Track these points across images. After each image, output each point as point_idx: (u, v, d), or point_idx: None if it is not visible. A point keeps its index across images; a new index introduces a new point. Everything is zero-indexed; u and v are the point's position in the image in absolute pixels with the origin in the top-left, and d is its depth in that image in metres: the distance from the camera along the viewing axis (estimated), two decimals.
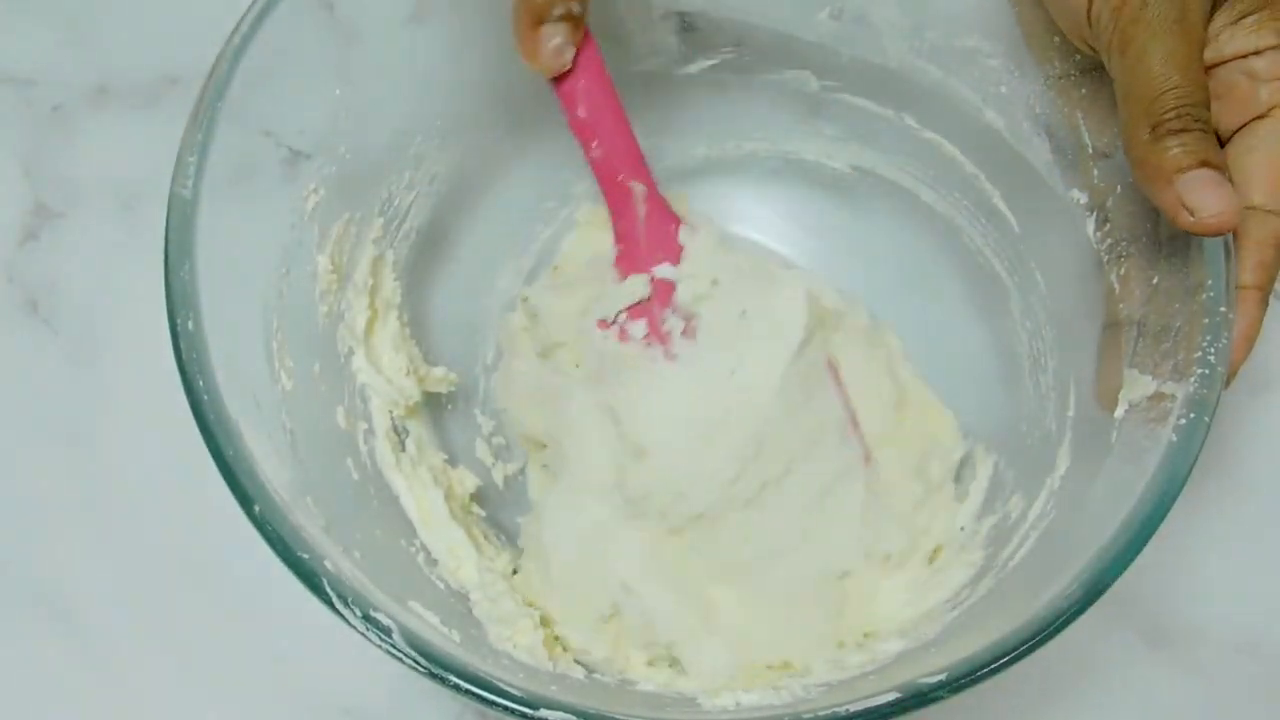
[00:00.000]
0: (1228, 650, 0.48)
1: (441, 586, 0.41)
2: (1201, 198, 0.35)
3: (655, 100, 0.51)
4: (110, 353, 0.53)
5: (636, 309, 0.47)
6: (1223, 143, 0.39)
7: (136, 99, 0.58)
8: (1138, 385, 0.39)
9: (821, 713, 0.33)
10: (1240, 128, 0.39)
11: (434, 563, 0.43)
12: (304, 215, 0.42)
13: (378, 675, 0.48)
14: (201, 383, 0.35)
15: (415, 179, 0.48)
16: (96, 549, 0.50)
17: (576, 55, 0.40)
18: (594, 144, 0.43)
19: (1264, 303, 0.39)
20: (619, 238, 0.47)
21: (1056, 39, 0.42)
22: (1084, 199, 0.44)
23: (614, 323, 0.47)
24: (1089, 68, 0.42)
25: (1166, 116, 0.36)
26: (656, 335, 0.47)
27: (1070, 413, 0.44)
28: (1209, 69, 0.39)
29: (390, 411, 0.45)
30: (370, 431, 0.44)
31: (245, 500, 0.35)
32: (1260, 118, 0.39)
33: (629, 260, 0.47)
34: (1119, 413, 0.39)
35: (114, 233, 0.55)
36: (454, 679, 0.33)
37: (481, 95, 0.48)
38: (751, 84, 0.51)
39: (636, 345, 0.47)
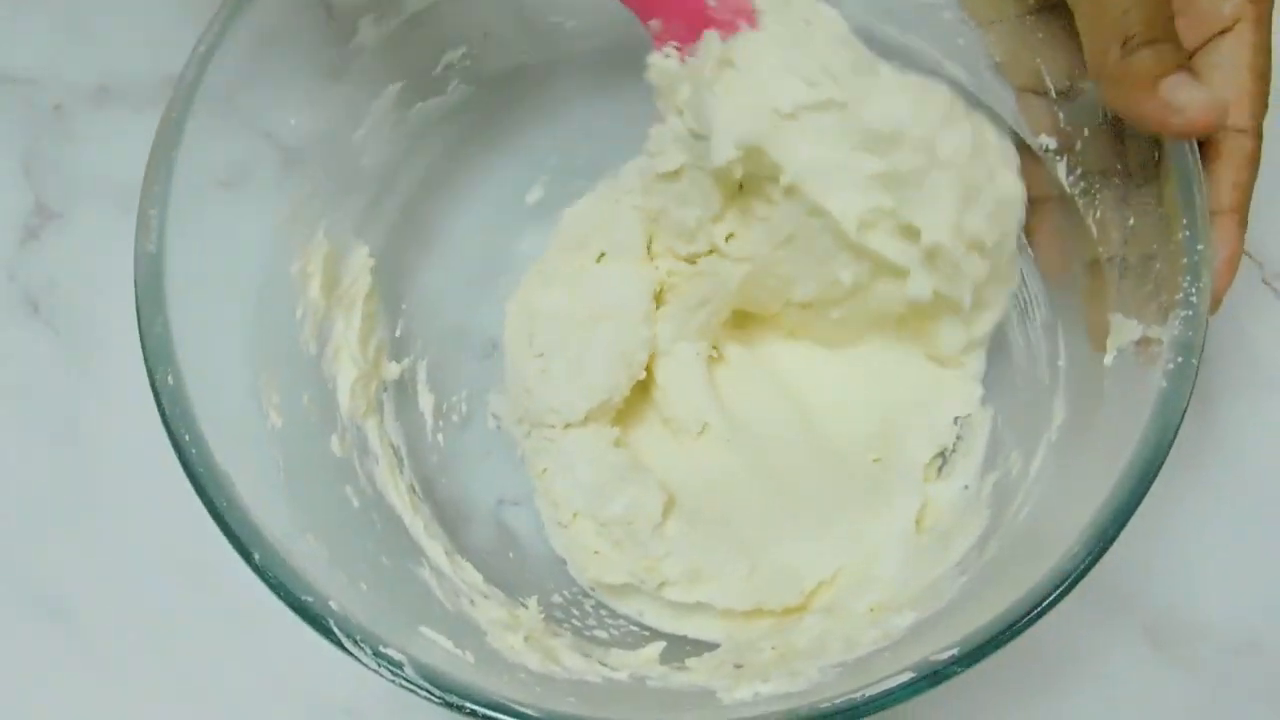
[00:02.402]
0: (1228, 650, 0.48)
1: (450, 607, 0.41)
2: (1188, 95, 0.35)
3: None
4: (110, 353, 0.53)
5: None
6: (1192, 53, 0.40)
7: (136, 99, 0.57)
8: (1124, 330, 0.39)
9: (839, 700, 0.33)
10: (1203, 44, 0.40)
11: (441, 577, 0.43)
12: (274, 247, 0.42)
13: (377, 675, 0.48)
14: (188, 437, 0.35)
15: (384, 191, 0.48)
16: (96, 549, 0.50)
17: None
18: None
19: (1243, 224, 0.39)
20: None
21: None
22: (1053, 144, 0.43)
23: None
24: (1042, 7, 0.41)
25: (1135, 30, 0.36)
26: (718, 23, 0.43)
27: (1061, 362, 0.44)
28: None
29: (384, 430, 0.45)
30: (366, 454, 0.44)
31: (244, 551, 0.35)
32: (1223, 33, 0.39)
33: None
34: (1108, 360, 0.39)
35: (114, 233, 0.55)
36: (470, 706, 0.33)
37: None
38: None
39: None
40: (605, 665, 0.42)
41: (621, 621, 0.47)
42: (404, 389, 0.48)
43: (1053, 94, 0.43)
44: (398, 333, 0.48)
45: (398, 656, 0.34)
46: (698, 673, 0.43)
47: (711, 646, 0.45)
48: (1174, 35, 0.37)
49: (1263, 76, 0.40)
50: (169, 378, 0.36)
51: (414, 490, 0.46)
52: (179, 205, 0.38)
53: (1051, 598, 0.34)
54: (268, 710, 0.48)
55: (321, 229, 0.44)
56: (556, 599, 0.46)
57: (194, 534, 0.50)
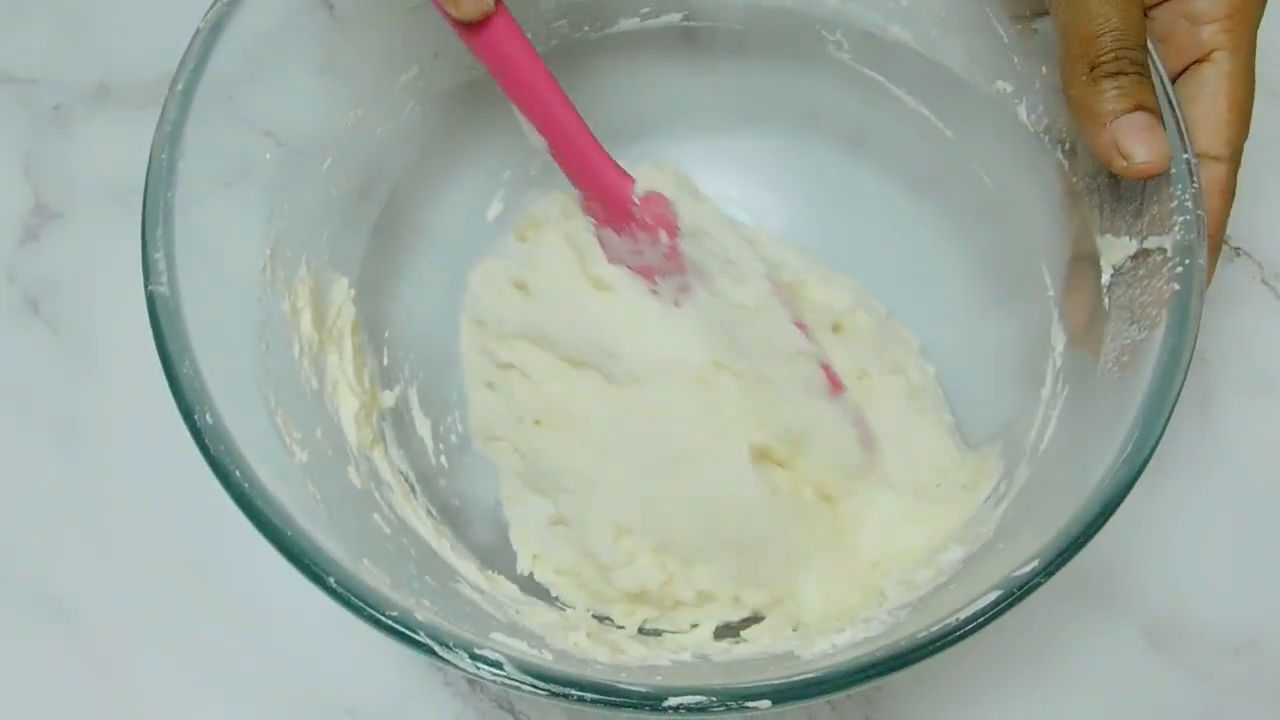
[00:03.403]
0: (1228, 650, 0.48)
1: (503, 617, 0.41)
2: (1134, 143, 0.36)
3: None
4: (110, 353, 0.53)
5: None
6: (1174, 80, 0.40)
7: (136, 99, 0.57)
8: (1116, 248, 0.39)
9: (935, 627, 0.33)
10: (1183, 71, 0.40)
11: (482, 593, 0.43)
12: (266, 285, 0.42)
13: (379, 675, 0.48)
14: (239, 473, 0.35)
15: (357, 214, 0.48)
16: (96, 549, 0.50)
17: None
18: (528, 101, 0.42)
19: (1216, 250, 0.39)
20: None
21: None
22: (1010, 88, 0.44)
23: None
24: None
25: (1104, 59, 0.36)
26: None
27: (1050, 292, 0.44)
28: (1149, 10, 0.40)
29: (390, 459, 0.45)
30: (381, 483, 0.44)
31: (318, 578, 0.35)
32: (1200, 61, 0.40)
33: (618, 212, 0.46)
34: (1105, 279, 0.40)
35: (114, 233, 0.55)
36: (576, 693, 0.33)
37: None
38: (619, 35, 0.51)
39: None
40: (666, 649, 0.42)
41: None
42: (400, 416, 0.48)
43: (1005, 40, 0.43)
44: (385, 361, 0.48)
45: (495, 656, 0.33)
46: (758, 641, 0.43)
47: (752, 619, 0.46)
48: (1143, 65, 0.37)
49: (1239, 105, 0.40)
50: (207, 416, 0.36)
51: (431, 514, 0.46)
52: (184, 247, 0.38)
53: (1127, 483, 0.34)
54: (268, 710, 0.48)
55: (304, 263, 0.44)
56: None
57: (194, 534, 0.50)
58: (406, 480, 0.46)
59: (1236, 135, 0.40)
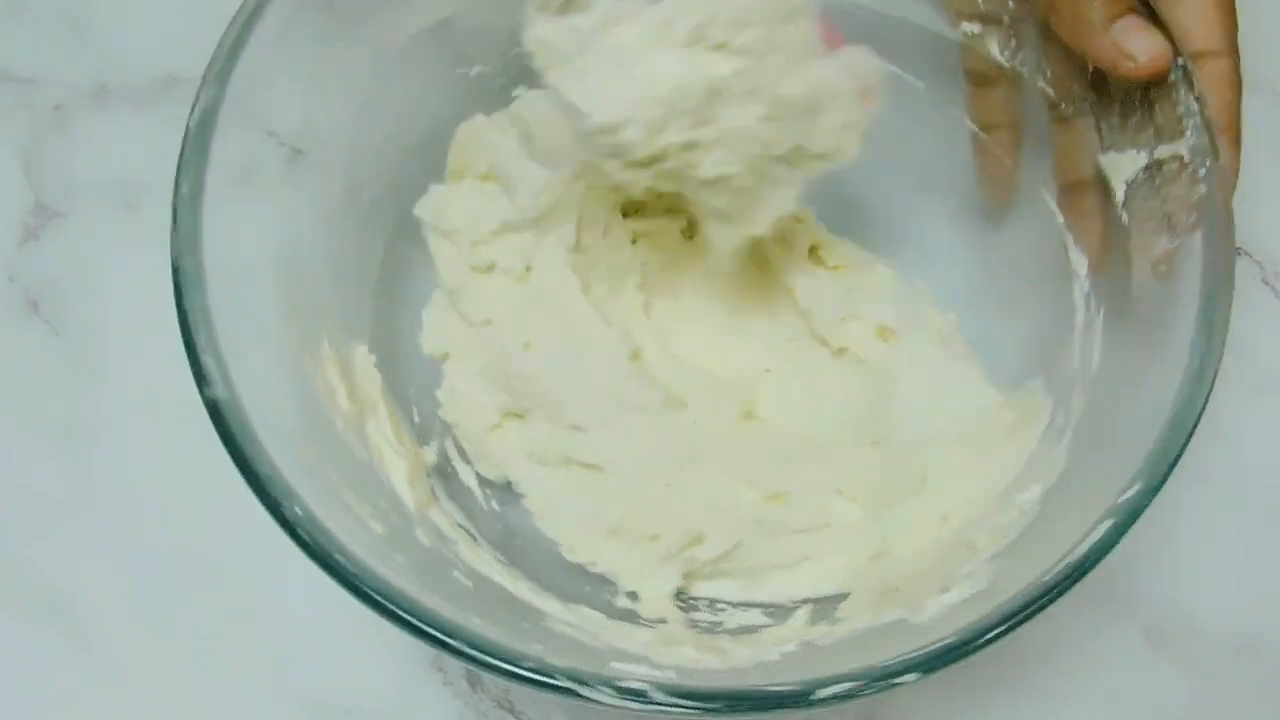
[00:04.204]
0: (1228, 650, 0.48)
1: (602, 645, 0.41)
2: (1138, 41, 0.37)
3: None
4: (110, 353, 0.53)
5: None
6: None
7: (136, 99, 0.57)
8: (1125, 164, 0.40)
9: (1060, 567, 0.34)
10: None
11: (573, 625, 0.43)
12: (296, 369, 0.41)
13: (378, 675, 0.48)
14: (341, 558, 0.35)
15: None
16: (96, 549, 0.50)
17: None
18: None
19: (1237, 142, 0.40)
20: None
21: None
22: (976, 28, 0.45)
23: None
24: None
25: None
26: None
27: (1059, 219, 0.45)
28: None
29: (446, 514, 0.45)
30: (445, 540, 0.44)
31: (460, 651, 0.34)
32: None
33: None
34: (1119, 195, 0.41)
35: (114, 232, 0.55)
36: (728, 704, 0.33)
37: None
38: None
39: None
40: (770, 644, 0.42)
41: (741, 607, 0.47)
42: (443, 469, 0.48)
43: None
44: (416, 419, 0.48)
45: (638, 685, 0.33)
46: (858, 618, 0.42)
47: (838, 598, 0.45)
48: None
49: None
50: (295, 509, 0.35)
51: (500, 560, 0.45)
52: (227, 345, 0.37)
53: (1206, 386, 0.35)
54: (268, 710, 0.48)
55: (324, 340, 0.44)
56: (674, 612, 0.46)
57: (194, 534, 0.50)
58: (468, 532, 0.45)
59: (1228, 28, 0.40)
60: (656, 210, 0.52)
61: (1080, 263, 0.44)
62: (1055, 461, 0.42)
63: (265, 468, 0.36)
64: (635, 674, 0.35)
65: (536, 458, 0.48)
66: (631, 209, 0.52)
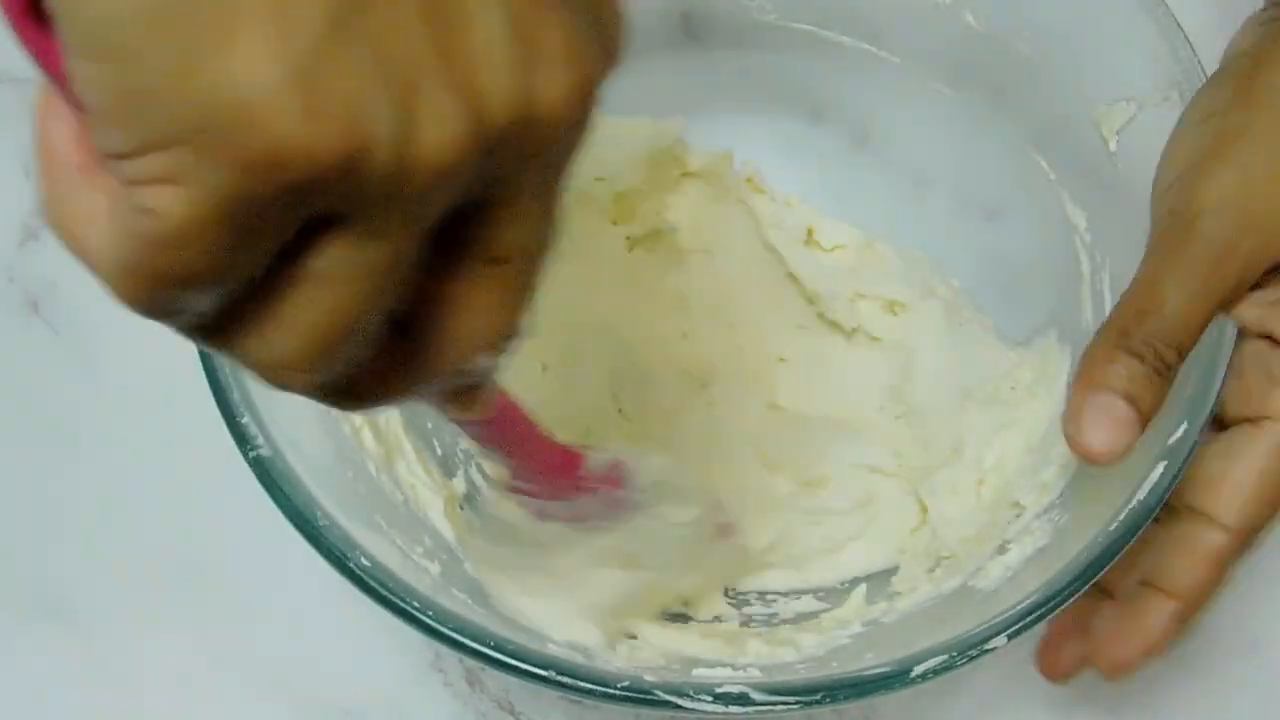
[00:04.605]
0: (1228, 650, 0.48)
1: (675, 649, 0.41)
2: (1099, 426, 0.34)
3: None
4: (110, 353, 0.53)
5: None
6: (1227, 424, 0.37)
7: None
8: (1116, 115, 0.42)
9: (1122, 516, 0.34)
10: (1235, 421, 0.37)
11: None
12: (323, 411, 0.40)
13: (378, 675, 0.48)
14: (415, 604, 0.35)
15: None
16: (96, 549, 0.50)
17: None
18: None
19: (1181, 620, 0.37)
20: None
21: None
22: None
23: None
24: None
25: (1136, 335, 0.34)
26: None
27: (1051, 176, 0.46)
28: (1243, 333, 0.37)
29: None
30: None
31: (556, 682, 0.34)
32: (1255, 421, 0.37)
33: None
34: (1112, 146, 0.41)
35: None
36: (829, 695, 0.33)
37: None
38: None
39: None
40: (834, 629, 0.42)
41: (792, 595, 0.47)
42: (473, 499, 0.47)
43: None
44: (439, 451, 0.47)
45: (737, 689, 0.33)
46: (916, 590, 0.43)
47: (889, 573, 0.46)
48: (1165, 369, 0.34)
49: (1273, 486, 0.37)
50: (361, 559, 0.35)
51: None
52: (261, 404, 0.37)
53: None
54: (267, 710, 0.48)
55: None
56: (727, 609, 0.46)
57: (193, 534, 0.50)
58: None
59: (1255, 515, 0.37)
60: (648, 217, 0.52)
61: (1077, 215, 0.45)
62: None
63: (323, 520, 0.35)
64: (721, 678, 0.35)
65: None
66: (621, 217, 0.52)
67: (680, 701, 0.33)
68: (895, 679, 0.33)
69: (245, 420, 0.36)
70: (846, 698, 0.34)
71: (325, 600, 0.48)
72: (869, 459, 0.48)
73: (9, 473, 0.51)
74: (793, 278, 0.51)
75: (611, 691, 0.33)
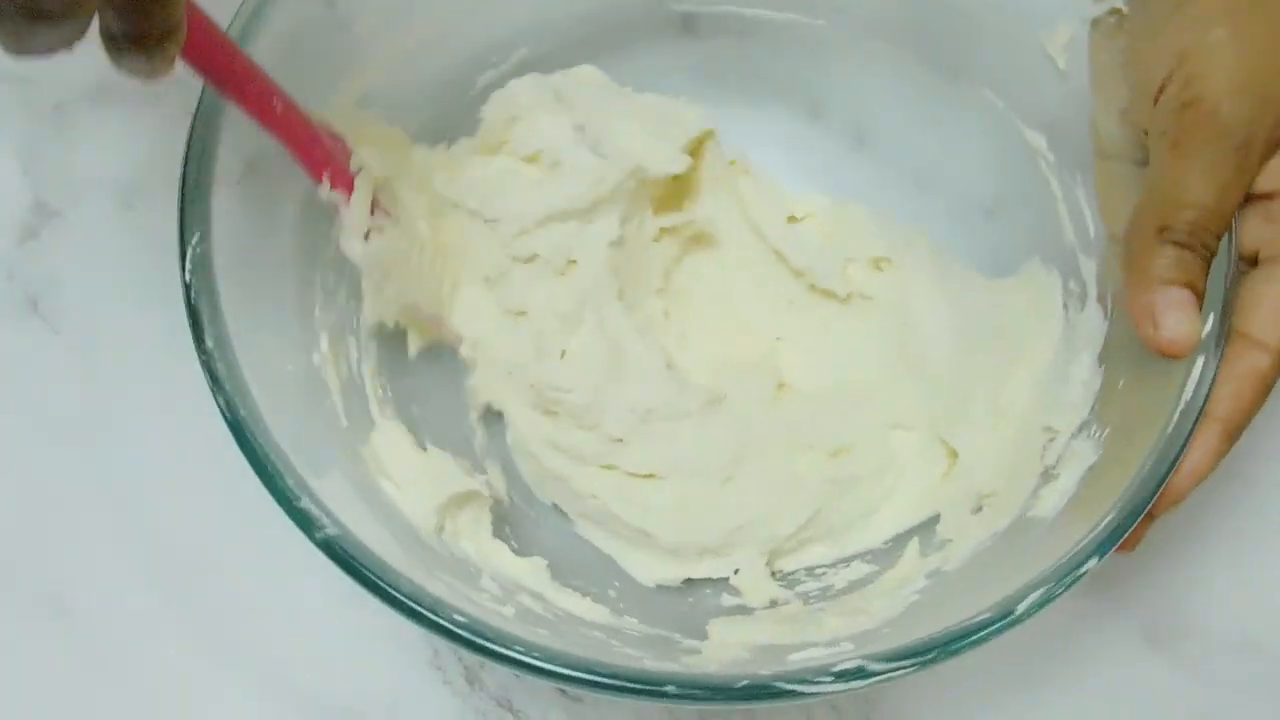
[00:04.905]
0: (1228, 650, 0.48)
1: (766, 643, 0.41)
2: (1173, 317, 0.35)
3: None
4: (110, 352, 0.53)
5: None
6: (1258, 261, 0.38)
7: (136, 98, 0.57)
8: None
9: (1174, 415, 0.35)
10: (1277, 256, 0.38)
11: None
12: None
13: (377, 674, 0.48)
14: (504, 648, 0.34)
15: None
16: (97, 549, 0.50)
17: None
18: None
19: (1227, 439, 0.37)
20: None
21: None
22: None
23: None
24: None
25: (1179, 226, 0.35)
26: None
27: (999, 104, 0.47)
28: (1271, 195, 0.37)
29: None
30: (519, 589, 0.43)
31: (661, 693, 0.33)
32: None
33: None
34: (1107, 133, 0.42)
35: (114, 231, 0.55)
36: (935, 655, 0.33)
37: None
38: None
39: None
40: (898, 587, 0.42)
41: (840, 565, 0.47)
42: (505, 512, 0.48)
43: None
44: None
45: (852, 665, 0.33)
46: (969, 534, 0.43)
47: (931, 523, 0.46)
48: (1210, 254, 0.36)
49: None
50: (456, 616, 0.35)
51: (610, 610, 0.45)
52: (324, 491, 0.37)
53: None
54: (266, 709, 0.48)
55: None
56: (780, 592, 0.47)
57: (192, 533, 0.50)
58: (578, 591, 0.45)
59: None
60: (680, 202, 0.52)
61: (1035, 137, 0.45)
62: (1093, 323, 0.42)
63: (407, 588, 0.35)
64: (823, 657, 0.35)
65: (574, 457, 0.48)
66: (661, 205, 0.52)
67: (802, 688, 0.33)
68: (1001, 621, 0.33)
69: (308, 507, 0.36)
70: (959, 649, 0.33)
71: (325, 600, 0.48)
72: (886, 418, 0.49)
73: (9, 473, 0.51)
74: (779, 255, 0.51)
75: (734, 690, 0.33)
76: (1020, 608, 0.34)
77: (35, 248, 0.55)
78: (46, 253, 0.55)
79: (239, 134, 0.40)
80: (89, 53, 0.60)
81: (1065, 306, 0.45)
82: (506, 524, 0.46)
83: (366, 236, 0.44)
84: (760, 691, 0.33)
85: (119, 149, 0.56)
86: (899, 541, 0.46)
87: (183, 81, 0.57)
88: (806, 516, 0.46)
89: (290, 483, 0.36)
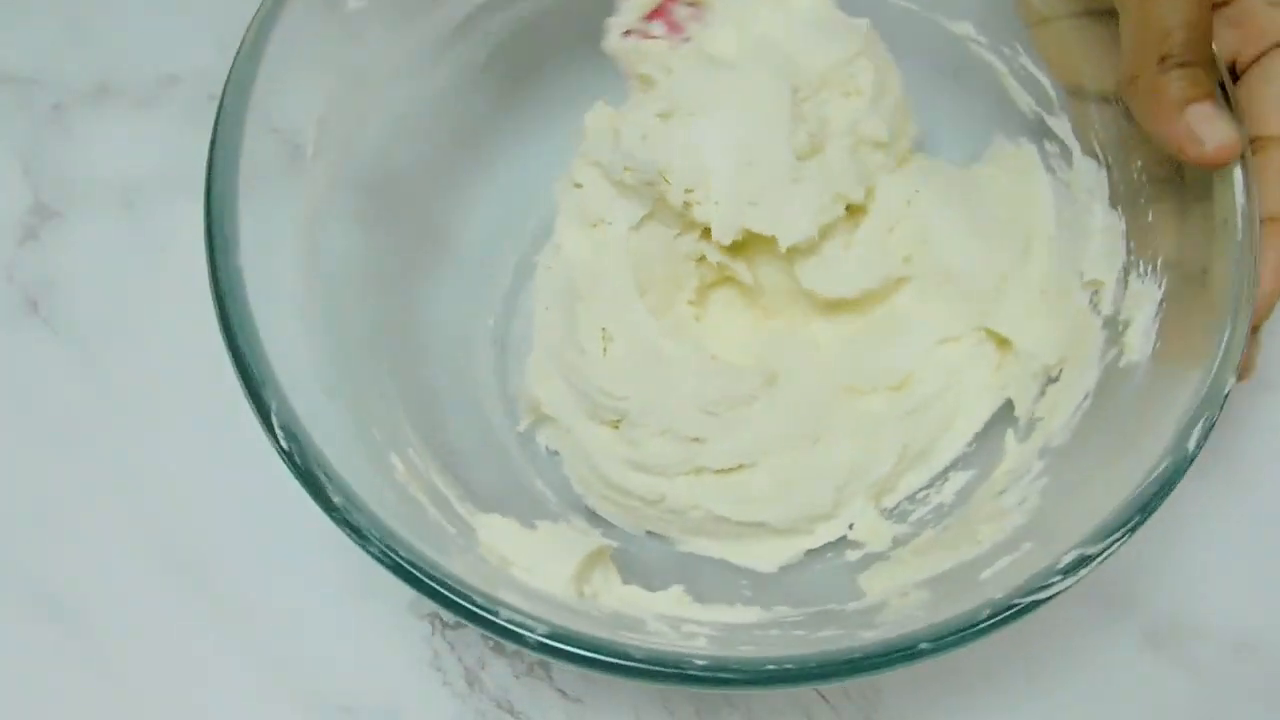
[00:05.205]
0: (1228, 650, 0.48)
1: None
2: (1210, 128, 0.36)
3: None
4: (110, 353, 0.53)
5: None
6: (1238, 74, 0.39)
7: (136, 98, 0.57)
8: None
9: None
10: (1258, 57, 0.39)
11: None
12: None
13: (377, 675, 0.48)
14: (603, 655, 0.34)
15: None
16: (96, 549, 0.50)
17: None
18: None
19: None
20: None
21: None
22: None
23: (631, 33, 0.47)
24: (1094, 10, 0.41)
25: (1175, 50, 0.36)
26: (670, 25, 0.47)
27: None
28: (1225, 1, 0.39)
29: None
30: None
31: (756, 680, 0.34)
32: (1278, 45, 0.39)
33: None
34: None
35: (114, 232, 0.55)
36: (1022, 607, 0.34)
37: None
38: None
39: (660, 42, 0.47)
40: (1023, 479, 0.43)
41: (938, 482, 0.48)
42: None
43: (1094, 99, 0.43)
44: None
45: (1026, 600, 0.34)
46: (1060, 404, 0.43)
47: (1008, 408, 0.47)
48: (1210, 60, 0.37)
49: None
50: (540, 628, 0.34)
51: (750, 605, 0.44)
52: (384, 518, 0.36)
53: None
54: (266, 709, 0.47)
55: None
56: (898, 529, 0.47)
57: (192, 533, 0.50)
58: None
59: None
60: None
61: (963, 26, 0.46)
62: (1089, 175, 0.43)
63: (641, 654, 0.34)
64: (1024, 563, 0.36)
65: (658, 473, 0.47)
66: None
67: (1042, 595, 0.34)
68: (1080, 566, 0.34)
69: (368, 531, 0.35)
70: (1033, 607, 0.34)
71: (325, 600, 0.48)
72: (932, 336, 0.48)
73: (9, 473, 0.51)
74: (791, 275, 0.51)
75: (913, 652, 0.33)
76: (1191, 446, 0.34)
77: (35, 248, 0.55)
78: (46, 253, 0.55)
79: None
80: (89, 53, 0.61)
81: (1051, 170, 0.46)
82: (622, 569, 0.45)
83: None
84: (1016, 612, 0.34)
85: (119, 149, 0.56)
86: (981, 440, 0.47)
87: (183, 81, 0.58)
88: (898, 452, 0.47)
89: (482, 601, 0.35)
